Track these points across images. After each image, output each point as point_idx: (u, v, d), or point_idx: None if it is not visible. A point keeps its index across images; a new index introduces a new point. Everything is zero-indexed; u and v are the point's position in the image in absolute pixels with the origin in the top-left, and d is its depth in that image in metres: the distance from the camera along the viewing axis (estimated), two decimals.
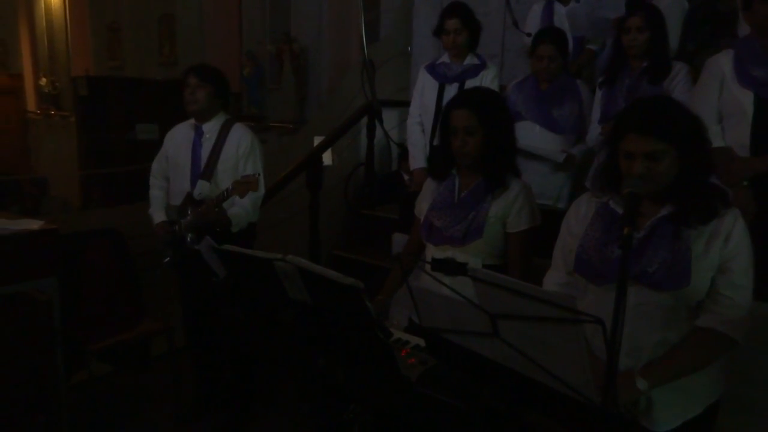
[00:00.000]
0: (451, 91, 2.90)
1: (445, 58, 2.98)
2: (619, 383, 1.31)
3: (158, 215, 2.69)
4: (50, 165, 9.60)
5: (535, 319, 0.92)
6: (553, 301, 0.90)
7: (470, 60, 2.93)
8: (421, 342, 1.56)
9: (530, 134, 2.77)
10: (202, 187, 2.51)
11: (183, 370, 2.85)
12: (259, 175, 2.39)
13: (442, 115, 1.89)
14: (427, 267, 1.84)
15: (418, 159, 2.99)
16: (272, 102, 7.51)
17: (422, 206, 1.99)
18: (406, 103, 4.65)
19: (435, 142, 2.95)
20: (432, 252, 1.92)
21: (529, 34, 3.20)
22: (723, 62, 2.16)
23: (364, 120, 4.04)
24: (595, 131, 2.66)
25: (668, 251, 1.33)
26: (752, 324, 1.36)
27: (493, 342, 1.03)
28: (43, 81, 10.40)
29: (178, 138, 2.66)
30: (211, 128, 2.57)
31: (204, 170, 2.53)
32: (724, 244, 1.33)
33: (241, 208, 2.50)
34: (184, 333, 2.80)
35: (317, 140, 3.95)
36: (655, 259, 1.34)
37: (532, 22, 3.36)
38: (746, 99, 2.08)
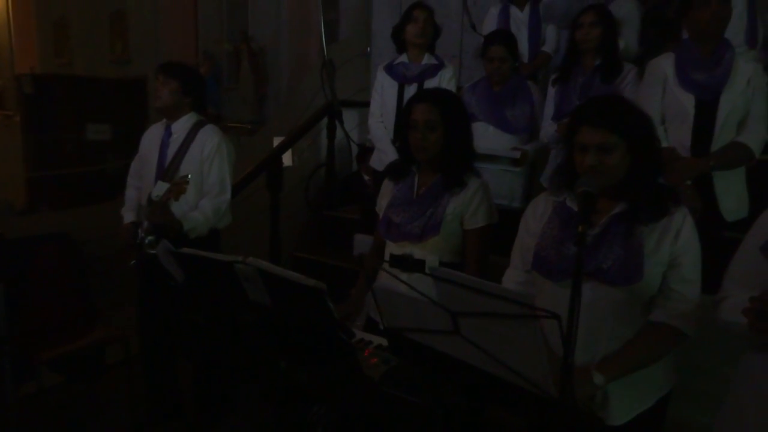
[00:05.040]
0: (410, 91, 2.92)
1: (403, 58, 3.00)
2: (576, 378, 1.35)
3: (127, 216, 2.62)
4: None
5: (495, 316, 0.94)
6: (511, 297, 0.92)
7: (428, 60, 2.97)
8: (384, 341, 1.57)
9: (484, 135, 2.83)
10: (161, 189, 2.44)
11: (139, 378, 2.77)
12: (188, 177, 2.30)
13: (404, 111, 1.89)
14: (386, 264, 1.88)
15: (389, 153, 2.98)
16: (230, 102, 7.39)
17: (382, 204, 2.00)
18: (366, 104, 4.65)
19: (396, 144, 2.97)
20: (391, 249, 1.93)
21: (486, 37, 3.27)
22: (664, 65, 2.24)
23: (325, 120, 4.02)
24: (550, 128, 2.73)
25: (622, 248, 1.38)
26: (700, 316, 1.43)
27: (455, 339, 1.05)
28: None
29: (150, 137, 2.60)
30: (179, 128, 2.50)
31: (166, 171, 2.47)
32: (674, 240, 1.39)
33: (199, 213, 2.43)
34: (138, 339, 2.72)
35: (277, 141, 3.91)
36: (610, 256, 1.39)
37: (489, 26, 3.43)
38: (688, 102, 2.17)
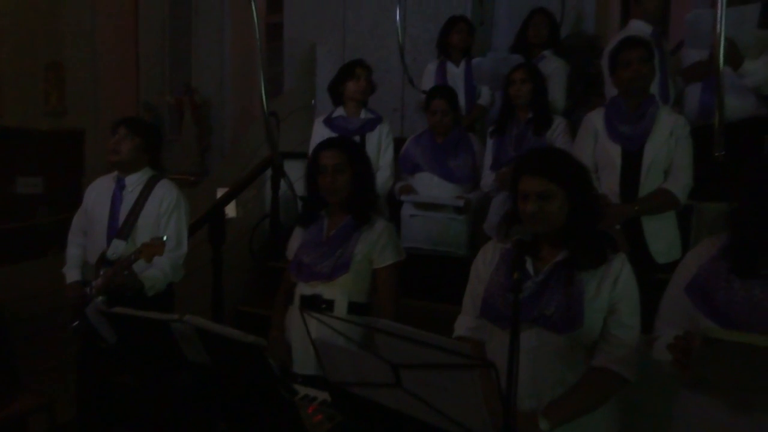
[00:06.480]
0: None
1: (340, 111, 3.08)
2: (523, 424, 1.36)
3: (71, 274, 2.47)
4: None
5: (432, 367, 0.94)
6: (449, 348, 0.93)
7: (365, 114, 3.07)
8: (329, 396, 1.53)
9: (429, 184, 2.94)
10: (117, 247, 2.34)
11: None
12: (164, 239, 2.25)
13: (310, 158, 2.00)
14: (297, 306, 1.94)
15: None
16: (172, 154, 7.26)
17: (293, 247, 2.07)
18: None
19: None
20: (301, 289, 1.99)
21: (424, 92, 3.40)
22: (595, 119, 2.43)
23: (269, 171, 4.00)
24: (489, 177, 2.85)
25: (564, 295, 1.43)
26: (640, 360, 1.47)
27: (397, 392, 1.04)
28: None
29: (98, 191, 2.50)
30: (134, 182, 2.43)
31: (121, 228, 2.37)
32: (613, 286, 1.45)
33: (158, 270, 2.34)
34: (76, 405, 2.52)
35: (220, 192, 3.85)
36: (553, 303, 1.43)
37: (428, 81, 3.59)
38: (615, 152, 2.34)
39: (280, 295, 2.13)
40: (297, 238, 2.07)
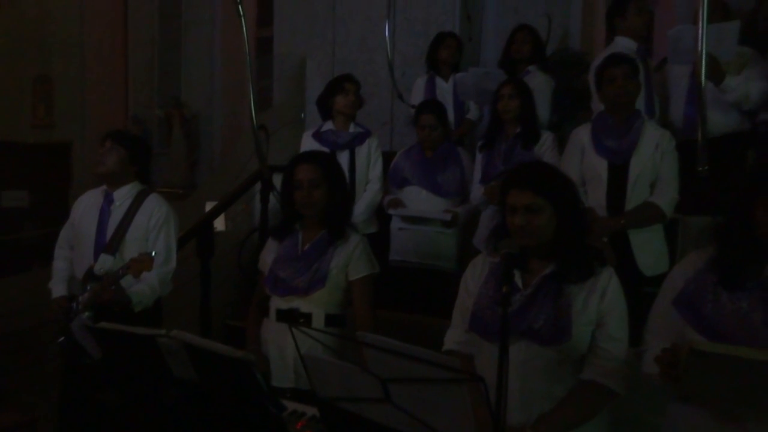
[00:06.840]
0: (342, 157, 3.00)
1: (329, 125, 3.10)
2: None
3: (57, 289, 2.43)
4: None
5: (421, 381, 0.94)
6: (437, 362, 0.93)
7: (354, 128, 3.09)
8: (317, 412, 1.52)
9: (417, 198, 2.96)
10: (105, 262, 2.32)
11: None
12: (153, 254, 2.22)
13: (286, 171, 2.02)
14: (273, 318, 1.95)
15: None
16: (160, 167, 7.23)
17: (266, 260, 2.06)
18: None
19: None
20: (277, 303, 1.99)
21: (413, 106, 3.43)
22: (582, 134, 2.47)
23: (258, 185, 4.00)
24: (478, 191, 2.87)
25: (552, 308, 1.44)
26: (629, 373, 1.48)
27: (386, 407, 1.03)
28: None
29: (86, 204, 2.47)
30: (122, 196, 2.41)
31: (109, 243, 2.35)
32: (600, 299, 1.46)
33: (146, 285, 2.32)
34: (58, 422, 2.47)
35: (209, 206, 3.84)
36: (541, 316, 1.44)
37: (417, 95, 3.62)
38: (601, 166, 2.37)
39: (254, 308, 2.13)
40: (271, 251, 2.07)
